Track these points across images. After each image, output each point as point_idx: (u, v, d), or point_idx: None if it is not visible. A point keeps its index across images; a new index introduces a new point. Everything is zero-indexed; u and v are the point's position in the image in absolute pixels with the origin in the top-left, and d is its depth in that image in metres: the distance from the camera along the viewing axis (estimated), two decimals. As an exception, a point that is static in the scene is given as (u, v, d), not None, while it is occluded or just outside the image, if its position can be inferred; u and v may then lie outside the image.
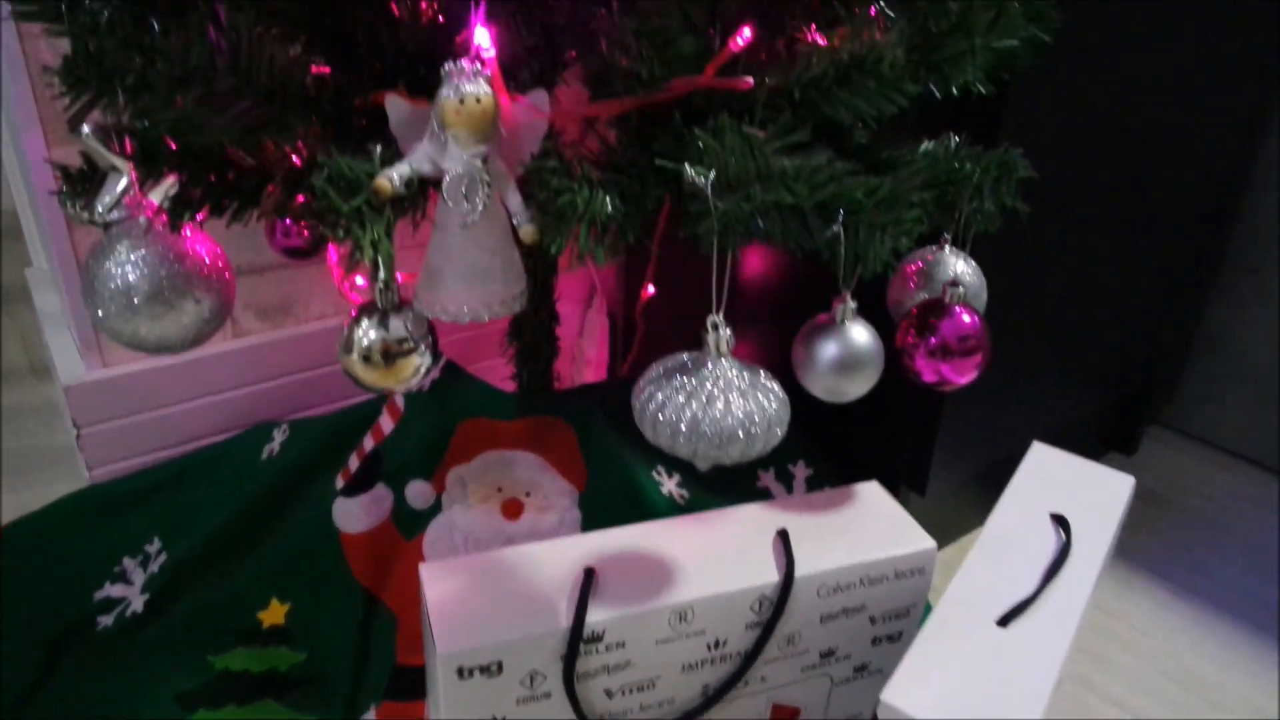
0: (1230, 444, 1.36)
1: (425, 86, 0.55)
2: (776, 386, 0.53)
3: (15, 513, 1.01)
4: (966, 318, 0.68)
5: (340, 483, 0.92)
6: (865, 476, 1.05)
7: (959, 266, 0.75)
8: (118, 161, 0.55)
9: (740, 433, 0.50)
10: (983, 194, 0.62)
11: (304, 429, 1.01)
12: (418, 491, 0.91)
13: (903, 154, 0.65)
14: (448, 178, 0.48)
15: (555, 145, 0.47)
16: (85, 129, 0.55)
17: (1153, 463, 1.34)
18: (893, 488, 1.03)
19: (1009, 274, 0.91)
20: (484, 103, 0.47)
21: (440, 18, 0.57)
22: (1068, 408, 1.19)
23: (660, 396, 0.51)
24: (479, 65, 0.47)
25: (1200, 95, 1.06)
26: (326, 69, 0.54)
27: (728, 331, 0.52)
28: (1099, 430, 1.32)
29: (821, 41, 0.60)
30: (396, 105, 0.49)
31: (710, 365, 0.52)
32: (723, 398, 0.50)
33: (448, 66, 0.47)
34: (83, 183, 0.62)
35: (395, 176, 0.47)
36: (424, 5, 0.56)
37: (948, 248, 0.75)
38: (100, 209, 0.57)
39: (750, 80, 0.55)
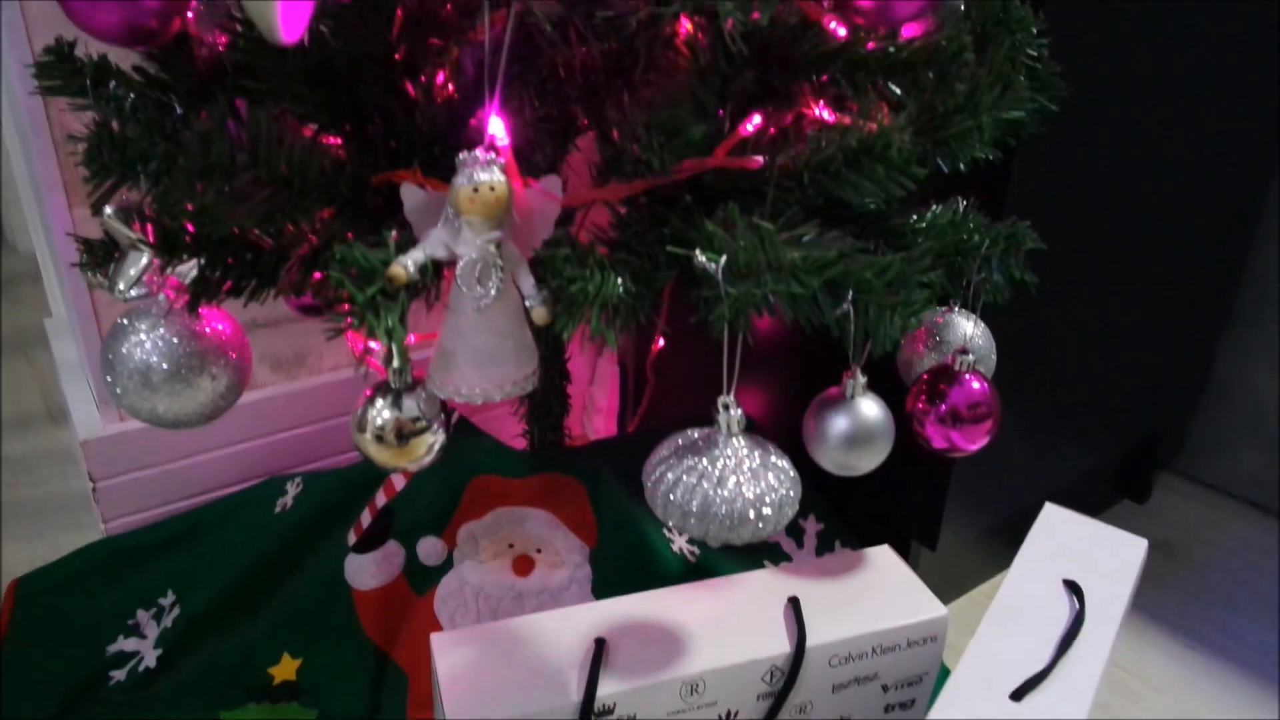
0: (1243, 491, 1.35)
1: (440, 166, 0.57)
2: (787, 464, 0.53)
3: (30, 564, 1.01)
4: (976, 384, 0.68)
5: (352, 538, 0.92)
6: (877, 531, 1.05)
7: (968, 329, 0.75)
8: (138, 239, 0.56)
9: (751, 514, 0.50)
10: (991, 266, 0.62)
11: (317, 483, 1.02)
12: (429, 548, 0.92)
13: (911, 222, 0.66)
14: (461, 263, 0.49)
15: (567, 231, 0.48)
16: (107, 209, 0.56)
17: (1166, 511, 1.33)
18: (904, 542, 1.03)
19: (1019, 327, 0.91)
20: (497, 190, 0.48)
21: (455, 96, 0.58)
22: (1079, 457, 1.18)
23: (670, 477, 0.51)
24: (493, 153, 0.48)
25: (1206, 147, 1.07)
26: (342, 152, 0.56)
27: (739, 411, 0.52)
28: (1111, 479, 1.31)
29: (830, 118, 0.61)
30: (411, 192, 0.50)
31: (721, 445, 0.52)
32: (733, 479, 0.50)
33: (462, 155, 0.48)
34: (104, 255, 0.63)
35: (410, 264, 0.48)
36: (439, 85, 0.57)
37: (957, 309, 0.75)
38: (121, 286, 0.58)
39: (760, 160, 0.56)
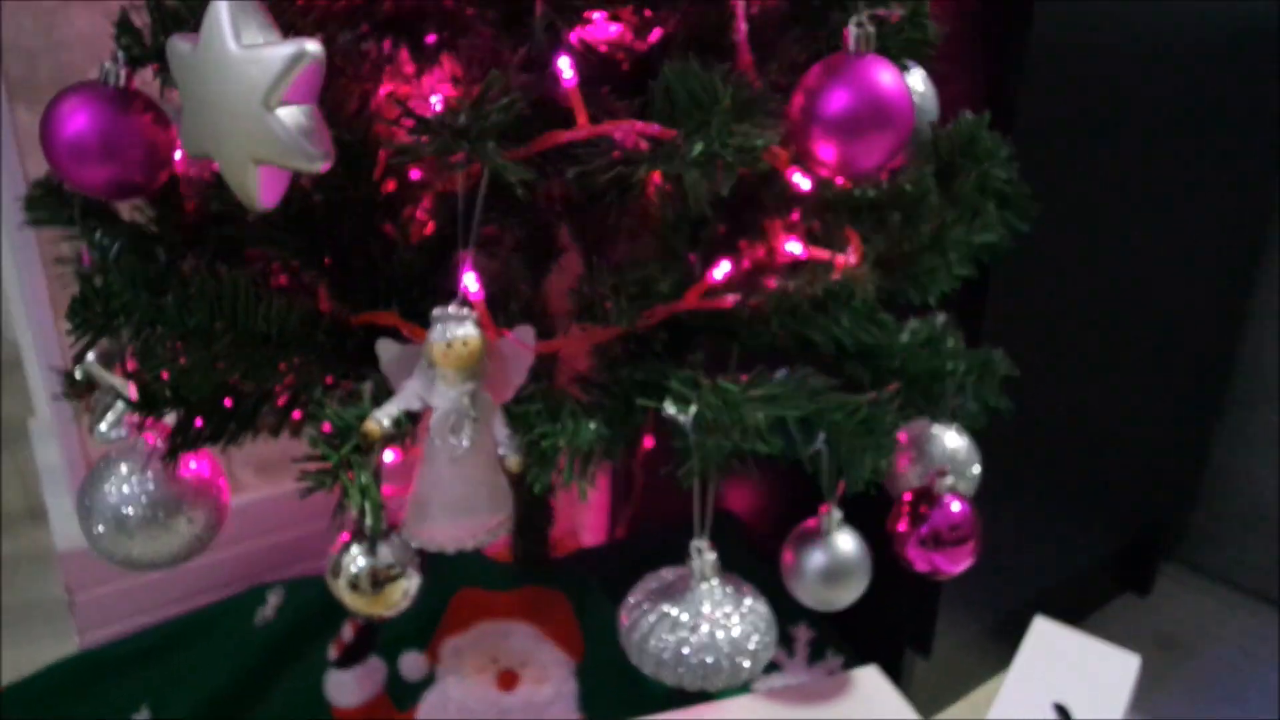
0: (1247, 582, 1.34)
1: (418, 311, 0.58)
2: (763, 607, 0.53)
3: (10, 673, 0.99)
4: (956, 506, 0.68)
5: (333, 653, 0.91)
6: (869, 638, 1.03)
7: (949, 440, 0.75)
8: (119, 384, 0.57)
9: (726, 663, 0.50)
10: (965, 392, 0.63)
11: (299, 593, 1.00)
12: (412, 663, 0.90)
13: (889, 343, 0.66)
14: (436, 415, 0.49)
15: (540, 384, 0.49)
16: (89, 355, 0.57)
17: (1169, 604, 1.31)
18: (897, 648, 1.01)
19: (1012, 422, 0.92)
20: (470, 345, 0.49)
21: (433, 238, 0.60)
22: (1079, 551, 1.17)
23: (645, 624, 0.51)
24: (466, 308, 0.49)
25: (1193, 238, 1.09)
26: (322, 296, 0.56)
27: (713, 555, 0.52)
28: (1112, 571, 1.30)
29: (801, 252, 0.62)
30: (387, 347, 0.51)
31: (695, 590, 0.52)
32: (706, 626, 0.50)
33: (437, 310, 0.49)
34: (87, 391, 0.64)
35: (384, 419, 0.48)
36: (416, 226, 0.58)
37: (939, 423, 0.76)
38: (102, 428, 0.58)
39: (731, 300, 0.57)
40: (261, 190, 0.46)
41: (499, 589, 0.91)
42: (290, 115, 0.44)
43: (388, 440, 0.49)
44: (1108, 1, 0.85)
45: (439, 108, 0.62)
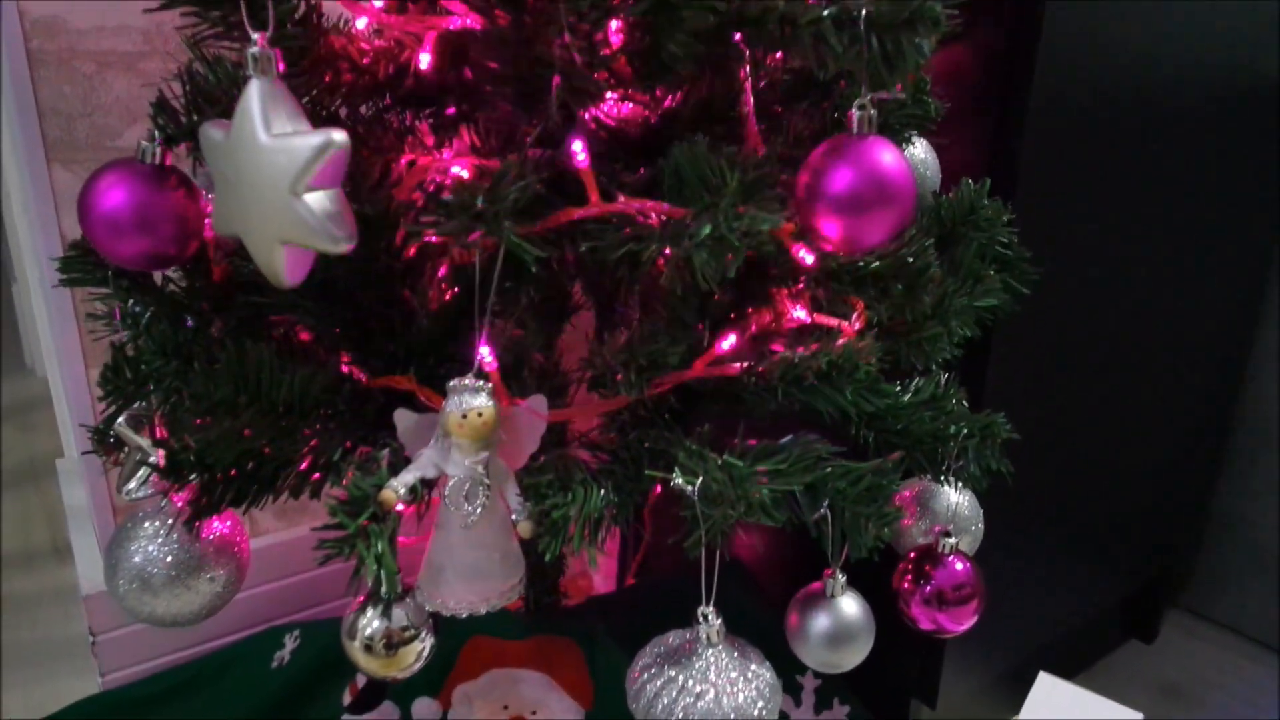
0: (1252, 630, 1.33)
1: (434, 376, 0.60)
2: (768, 673, 0.54)
3: (27, 710, 1.01)
4: (960, 565, 0.69)
5: (348, 698, 0.92)
6: (875, 687, 1.03)
7: (952, 497, 0.76)
8: (147, 445, 0.59)
9: (731, 729, 0.51)
10: (967, 455, 0.64)
11: (314, 636, 1.02)
12: (424, 708, 0.91)
13: (892, 402, 0.68)
14: (450, 483, 0.51)
15: (552, 455, 0.51)
16: (119, 419, 0.59)
17: (1174, 651, 1.31)
18: (903, 698, 1.02)
19: (1016, 472, 0.93)
20: (485, 415, 0.50)
21: (450, 304, 0.62)
22: (1085, 600, 1.17)
23: (651, 689, 0.52)
24: (482, 379, 0.51)
25: (1197, 287, 1.10)
26: (343, 361, 0.59)
27: (719, 621, 0.53)
28: (1118, 618, 1.29)
29: (806, 317, 0.64)
30: (404, 416, 0.53)
31: (701, 656, 0.53)
32: (712, 692, 0.51)
33: (453, 382, 0.51)
34: (116, 449, 0.66)
35: (400, 488, 0.50)
36: (433, 293, 0.60)
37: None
38: (131, 485, 0.61)
39: (738, 367, 0.59)
40: (287, 269, 0.48)
41: (510, 637, 0.93)
42: (316, 200, 0.46)
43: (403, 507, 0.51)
44: (1107, 65, 0.86)
45: (462, 174, 0.65)
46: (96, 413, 1.03)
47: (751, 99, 0.65)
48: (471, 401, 0.50)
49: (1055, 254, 0.87)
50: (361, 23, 0.66)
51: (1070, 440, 1.02)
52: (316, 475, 0.59)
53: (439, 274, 0.62)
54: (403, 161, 0.67)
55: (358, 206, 0.63)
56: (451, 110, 0.67)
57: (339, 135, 0.46)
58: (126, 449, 0.64)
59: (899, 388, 0.68)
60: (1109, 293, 0.98)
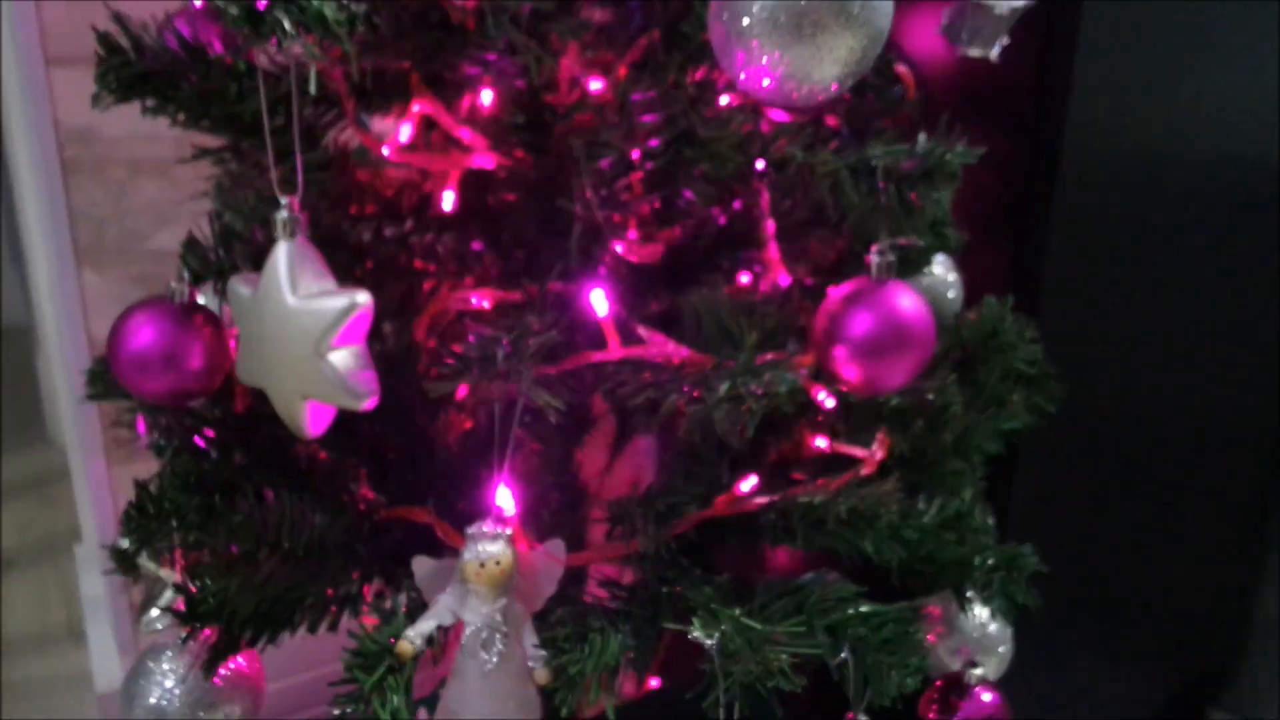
0: (1295, 732, 1.28)
1: (453, 508, 0.60)
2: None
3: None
4: (987, 697, 0.68)
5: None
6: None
7: (980, 616, 0.75)
8: (167, 579, 0.59)
9: None
10: (992, 588, 0.63)
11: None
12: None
13: (911, 520, 0.66)
14: (468, 631, 0.51)
15: (569, 608, 0.50)
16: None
17: (1214, 754, 1.26)
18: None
19: (1052, 575, 0.91)
20: (503, 564, 0.50)
21: (470, 436, 0.62)
22: (1126, 702, 1.14)
23: None
24: (500, 527, 0.51)
25: (1227, 389, 1.08)
26: (363, 492, 0.59)
27: (739, 775, 0.52)
28: (1157, 720, 1.26)
29: (826, 446, 0.63)
30: (421, 564, 0.52)
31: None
32: None
33: (471, 530, 0.51)
34: (136, 573, 0.66)
35: (417, 638, 0.50)
36: (454, 420, 0.61)
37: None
38: (150, 618, 0.61)
39: (759, 501, 0.58)
40: (309, 422, 0.49)
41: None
42: (340, 358, 0.47)
43: (419, 655, 0.51)
44: (1129, 169, 0.87)
45: (483, 306, 0.66)
46: (115, 498, 1.03)
47: (772, 223, 0.65)
48: (489, 549, 0.50)
49: (1081, 364, 0.86)
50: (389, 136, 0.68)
51: (1105, 545, 1.00)
52: (333, 609, 0.59)
53: (458, 407, 0.62)
54: (425, 287, 0.68)
55: (378, 345, 0.64)
56: (475, 240, 0.68)
57: (362, 296, 0.46)
58: (146, 578, 0.64)
59: (921, 505, 0.68)
60: (1138, 395, 0.97)
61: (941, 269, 0.73)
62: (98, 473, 1.02)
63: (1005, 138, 0.82)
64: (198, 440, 0.59)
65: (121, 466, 1.02)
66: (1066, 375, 0.74)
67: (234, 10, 0.43)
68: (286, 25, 0.44)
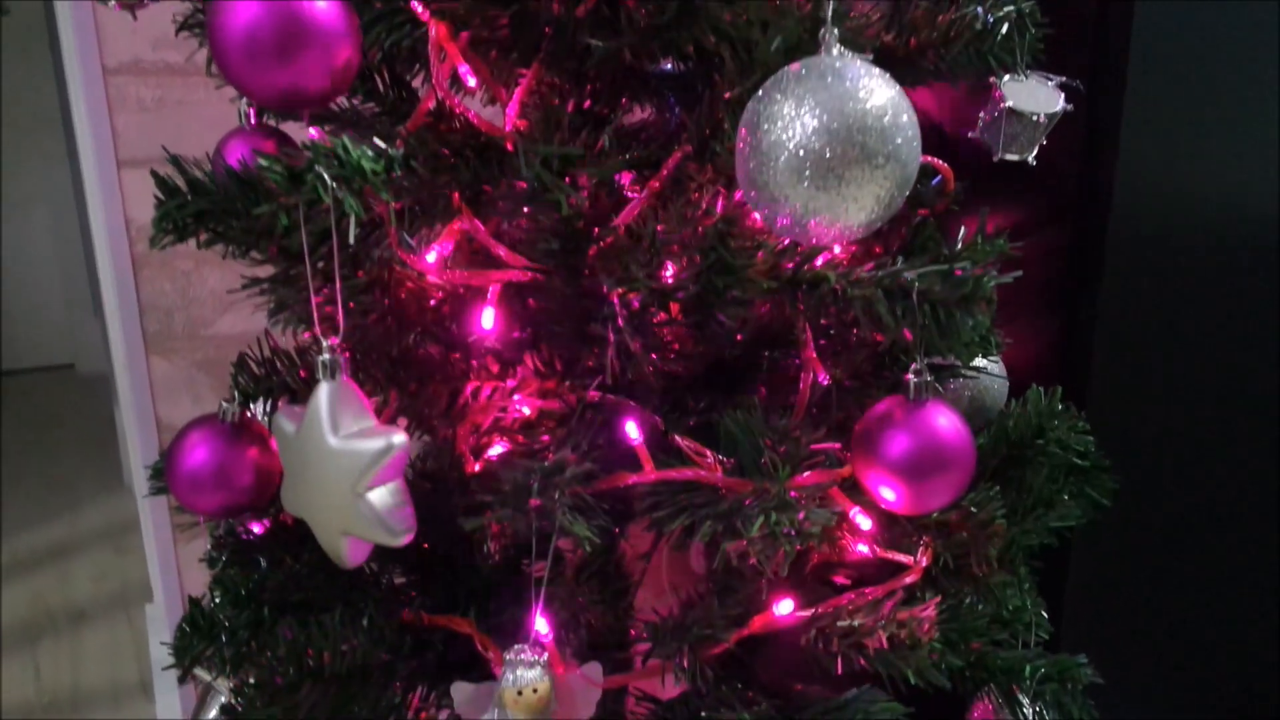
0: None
1: (492, 619, 0.60)
2: None
3: None
4: (1042, 809, 0.65)
5: None
6: None
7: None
8: (219, 685, 0.61)
9: None
10: (1044, 701, 0.61)
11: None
12: None
13: (963, 649, 0.64)
14: (505, 759, 0.51)
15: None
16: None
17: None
18: None
19: (1109, 655, 0.88)
20: (540, 691, 0.51)
21: (511, 549, 0.63)
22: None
23: None
24: (537, 654, 0.51)
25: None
26: (405, 614, 0.60)
27: None
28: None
29: (867, 551, 0.62)
30: (460, 689, 0.53)
31: None
32: None
33: (509, 655, 0.51)
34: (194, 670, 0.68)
35: (456, 768, 0.51)
36: (494, 545, 0.62)
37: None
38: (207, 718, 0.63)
39: (799, 617, 0.58)
40: (349, 554, 0.50)
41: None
42: (378, 496, 0.48)
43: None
44: (1175, 255, 0.84)
45: (524, 411, 0.67)
46: (178, 559, 1.07)
47: (810, 333, 0.65)
48: (526, 676, 0.51)
49: (1133, 448, 0.83)
50: (431, 256, 0.69)
51: (1164, 629, 0.96)
52: None
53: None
54: (468, 389, 0.69)
55: (420, 464, 0.66)
56: (516, 339, 0.69)
57: (398, 438, 0.48)
58: (202, 680, 0.66)
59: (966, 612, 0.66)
60: (1194, 476, 0.93)
61: (986, 361, 0.72)
62: (165, 539, 1.06)
63: (1050, 221, 0.81)
64: (248, 552, 0.61)
65: (186, 532, 1.06)
66: (1117, 457, 0.72)
67: (275, 171, 0.45)
68: (327, 179, 0.46)
